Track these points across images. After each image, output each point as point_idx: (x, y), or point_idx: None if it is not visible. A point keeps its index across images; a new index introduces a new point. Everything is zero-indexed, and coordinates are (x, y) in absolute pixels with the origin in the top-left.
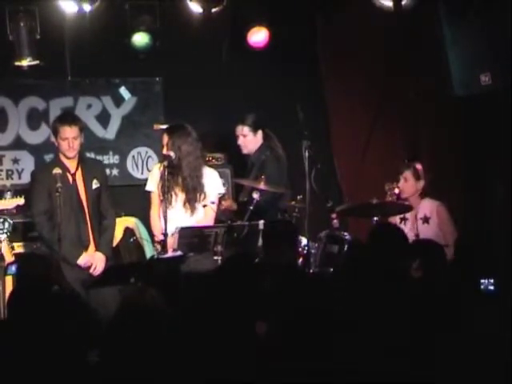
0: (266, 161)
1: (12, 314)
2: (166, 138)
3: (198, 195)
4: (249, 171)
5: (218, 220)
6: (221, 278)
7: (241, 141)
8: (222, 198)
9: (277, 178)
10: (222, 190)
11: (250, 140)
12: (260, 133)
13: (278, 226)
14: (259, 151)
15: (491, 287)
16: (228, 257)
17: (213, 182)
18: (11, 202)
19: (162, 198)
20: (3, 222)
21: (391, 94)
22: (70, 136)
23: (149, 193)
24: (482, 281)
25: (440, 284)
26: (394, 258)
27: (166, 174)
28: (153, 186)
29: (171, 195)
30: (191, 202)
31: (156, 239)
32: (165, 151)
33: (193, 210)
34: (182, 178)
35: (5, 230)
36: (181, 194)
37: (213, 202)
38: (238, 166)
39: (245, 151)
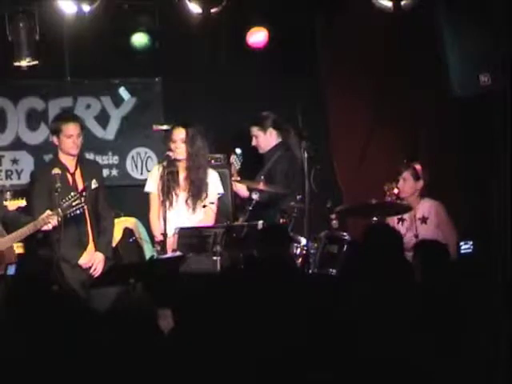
0: (279, 159)
1: (8, 314)
2: (181, 132)
3: (201, 192)
4: (262, 167)
5: (217, 220)
6: (221, 278)
7: (254, 142)
8: (232, 173)
9: (286, 177)
10: (222, 190)
11: (261, 140)
12: (271, 131)
13: (271, 230)
14: (274, 149)
15: (469, 250)
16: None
17: (214, 183)
18: (13, 204)
19: (162, 198)
20: (79, 198)
21: (391, 93)
22: (74, 133)
23: (148, 194)
24: (461, 244)
25: (442, 284)
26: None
27: (166, 174)
28: (152, 187)
29: (171, 196)
30: (194, 198)
31: (156, 240)
32: (178, 146)
33: (194, 207)
34: (188, 171)
35: (81, 205)
36: (182, 193)
37: (212, 203)
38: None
39: (260, 151)
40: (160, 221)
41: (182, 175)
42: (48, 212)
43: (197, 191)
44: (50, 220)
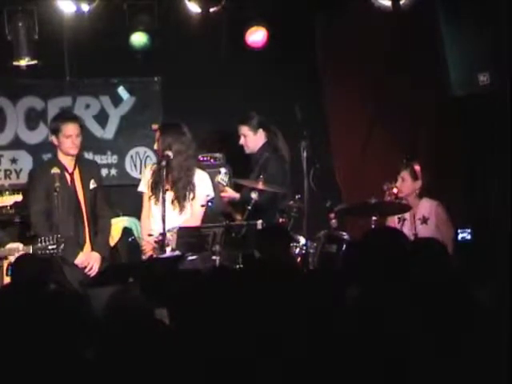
0: (267, 160)
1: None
2: (157, 135)
3: (186, 194)
4: (251, 170)
5: (206, 219)
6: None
7: (242, 141)
8: (221, 189)
9: (278, 177)
10: (212, 193)
11: (250, 140)
12: (261, 132)
13: (270, 229)
14: (261, 150)
15: (468, 236)
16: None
17: (202, 184)
18: (9, 199)
19: (151, 197)
20: (56, 244)
21: (391, 93)
22: (73, 133)
23: (141, 193)
24: (460, 231)
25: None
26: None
27: (164, 173)
28: (143, 186)
29: (162, 193)
30: (180, 200)
31: (144, 239)
32: (155, 147)
33: (181, 208)
34: (171, 176)
35: (55, 251)
36: (169, 193)
37: (202, 206)
38: (237, 165)
39: (247, 151)
40: (150, 220)
41: (169, 175)
42: (19, 245)
43: (181, 192)
44: (16, 254)
